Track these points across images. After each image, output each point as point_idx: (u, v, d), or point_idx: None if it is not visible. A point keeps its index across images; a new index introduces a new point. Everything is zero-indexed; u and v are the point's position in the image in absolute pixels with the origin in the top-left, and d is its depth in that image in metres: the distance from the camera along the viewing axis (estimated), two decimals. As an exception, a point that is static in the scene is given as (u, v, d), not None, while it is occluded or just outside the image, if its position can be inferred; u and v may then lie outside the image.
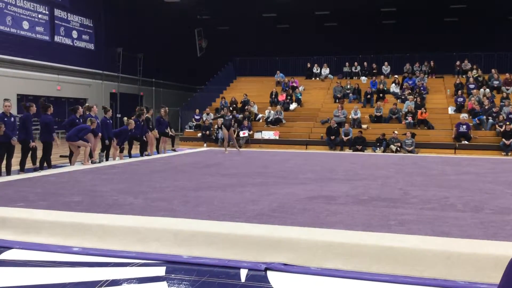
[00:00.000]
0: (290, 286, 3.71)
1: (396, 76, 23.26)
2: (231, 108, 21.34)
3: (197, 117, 21.95)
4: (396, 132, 17.63)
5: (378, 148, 17.38)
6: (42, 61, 23.66)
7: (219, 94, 24.83)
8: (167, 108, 16.04)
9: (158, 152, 14.90)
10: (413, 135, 17.49)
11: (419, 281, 3.79)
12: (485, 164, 12.55)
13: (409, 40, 29.46)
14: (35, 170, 9.66)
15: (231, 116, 16.56)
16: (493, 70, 21.71)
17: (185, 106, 25.95)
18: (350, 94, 22.36)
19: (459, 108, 19.94)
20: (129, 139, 13.12)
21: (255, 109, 21.87)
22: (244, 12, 30.51)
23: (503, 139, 16.72)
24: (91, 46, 27.58)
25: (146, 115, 13.95)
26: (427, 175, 9.77)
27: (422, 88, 21.82)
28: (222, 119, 16.30)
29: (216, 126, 19.68)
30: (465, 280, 3.77)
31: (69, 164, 10.94)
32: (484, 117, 18.36)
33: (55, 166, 10.56)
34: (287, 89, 23.52)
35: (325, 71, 25.40)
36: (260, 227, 4.77)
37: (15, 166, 9.42)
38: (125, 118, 13.08)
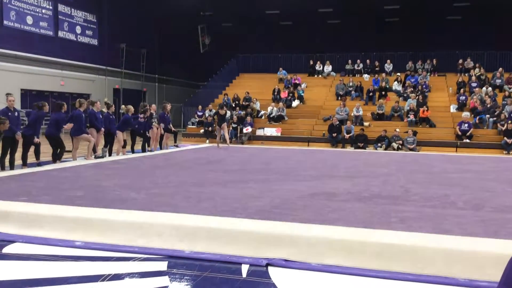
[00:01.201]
0: (291, 282, 3.73)
1: (398, 74, 23.24)
2: (230, 106, 21.44)
3: (199, 114, 21.98)
4: (398, 130, 17.63)
5: (380, 146, 17.39)
6: (46, 56, 23.72)
7: (221, 90, 24.84)
8: (170, 104, 16.06)
9: (161, 148, 14.94)
10: (414, 133, 17.48)
11: (419, 278, 3.81)
12: (486, 163, 12.55)
13: (412, 38, 29.37)
14: (38, 165, 9.70)
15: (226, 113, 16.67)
16: (500, 69, 21.66)
17: (187, 102, 25.98)
18: (353, 92, 22.36)
19: (461, 107, 19.93)
20: (132, 135, 13.15)
21: (257, 105, 21.88)
22: (247, 9, 30.50)
23: (505, 138, 16.70)
24: (94, 42, 27.63)
25: (150, 111, 14.00)
26: (428, 173, 9.78)
27: (424, 86, 21.79)
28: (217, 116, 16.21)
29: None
30: (466, 278, 3.79)
31: (72, 159, 10.99)
32: (487, 115, 18.34)
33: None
34: (289, 86, 23.52)
35: (328, 68, 25.39)
36: (261, 223, 4.79)
37: (18, 161, 9.46)
38: (123, 106, 13.11)
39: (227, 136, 16.05)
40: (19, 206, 5.41)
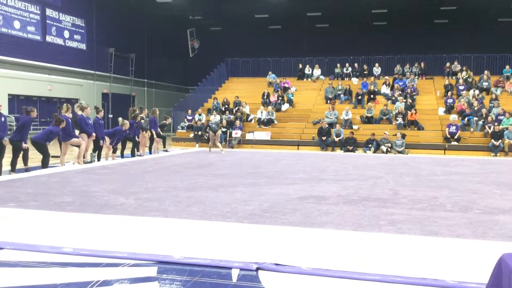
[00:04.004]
0: (281, 286, 3.73)
1: (386, 77, 23.40)
2: (219, 110, 21.47)
3: (189, 118, 21.92)
4: (386, 132, 17.73)
5: (369, 149, 17.48)
6: (34, 61, 23.52)
7: (211, 94, 24.84)
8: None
9: (150, 153, 14.90)
10: (403, 136, 17.60)
11: (408, 280, 3.82)
12: (474, 165, 12.67)
13: (400, 41, 29.65)
14: (26, 170, 9.62)
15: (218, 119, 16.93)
16: (486, 72, 21.93)
17: (177, 106, 25.92)
18: (341, 95, 22.45)
19: (449, 109, 20.10)
20: (122, 139, 13.10)
21: (247, 109, 21.89)
22: (236, 13, 30.54)
23: (492, 140, 16.87)
24: (83, 46, 27.47)
25: (141, 115, 13.99)
26: (417, 176, 9.85)
27: (412, 89, 21.96)
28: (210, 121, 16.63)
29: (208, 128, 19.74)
30: (454, 280, 3.81)
31: (60, 164, 10.90)
32: (474, 118, 18.51)
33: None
34: (279, 89, 23.57)
35: (317, 72, 25.48)
36: (251, 227, 4.79)
37: (6, 166, 9.37)
38: (120, 119, 13.08)
39: (218, 143, 16.28)
40: (7, 212, 5.36)
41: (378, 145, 17.43)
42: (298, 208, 5.91)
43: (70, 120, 10.85)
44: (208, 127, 16.59)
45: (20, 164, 9.73)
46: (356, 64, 25.30)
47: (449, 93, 20.88)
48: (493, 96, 20.21)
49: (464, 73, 22.69)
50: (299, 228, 4.74)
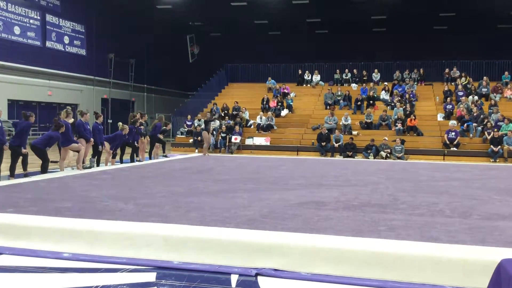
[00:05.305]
0: (280, 291, 3.73)
1: (386, 83, 23.44)
2: (219, 115, 21.53)
3: (188, 123, 21.94)
4: (386, 138, 17.74)
5: (368, 155, 17.49)
6: (34, 66, 23.59)
7: (210, 100, 24.87)
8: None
9: (150, 158, 14.90)
10: (402, 142, 17.61)
11: (408, 286, 3.82)
12: (473, 170, 12.66)
13: (399, 47, 29.75)
14: (25, 175, 9.62)
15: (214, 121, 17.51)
16: (485, 78, 21.98)
17: (176, 112, 25.96)
18: (341, 101, 22.50)
19: (448, 115, 20.13)
20: (121, 145, 13.11)
21: (246, 115, 21.92)
22: (236, 19, 30.64)
23: (491, 146, 16.88)
24: (82, 52, 27.54)
25: (140, 121, 14.02)
26: (416, 181, 9.84)
27: (411, 95, 22.00)
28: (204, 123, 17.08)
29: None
30: (453, 285, 3.81)
31: (59, 169, 10.90)
32: (473, 124, 18.53)
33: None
34: (278, 95, 23.61)
35: (316, 77, 25.53)
36: (251, 232, 4.78)
37: (4, 171, 9.36)
38: (120, 123, 13.08)
39: (205, 145, 16.78)
40: (6, 218, 5.35)
41: (378, 151, 17.43)
42: (297, 213, 5.91)
43: (69, 125, 10.85)
44: (203, 124, 17.06)
45: (19, 169, 9.73)
46: (355, 70, 25.36)
47: (448, 99, 20.91)
48: (492, 102, 20.25)
49: (463, 79, 22.74)
50: (298, 234, 4.73)
